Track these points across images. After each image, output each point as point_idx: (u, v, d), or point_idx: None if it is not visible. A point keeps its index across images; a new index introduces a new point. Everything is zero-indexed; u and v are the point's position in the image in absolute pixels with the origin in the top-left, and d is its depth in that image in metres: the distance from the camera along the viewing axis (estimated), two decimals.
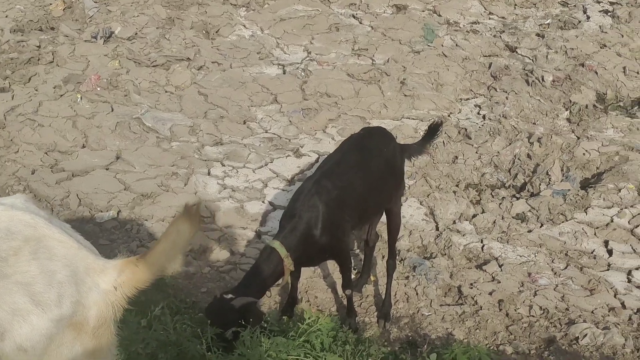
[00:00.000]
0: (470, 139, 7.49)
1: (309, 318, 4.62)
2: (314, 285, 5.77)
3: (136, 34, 9.04)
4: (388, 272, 5.56)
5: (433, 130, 5.68)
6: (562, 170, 7.01)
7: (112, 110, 7.73)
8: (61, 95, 7.92)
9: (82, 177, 6.83)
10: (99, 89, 8.01)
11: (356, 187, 5.04)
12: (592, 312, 5.48)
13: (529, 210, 6.55)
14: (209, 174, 6.97)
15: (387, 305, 5.47)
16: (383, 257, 5.88)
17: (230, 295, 4.64)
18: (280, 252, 4.77)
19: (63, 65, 8.43)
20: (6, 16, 9.31)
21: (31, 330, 2.94)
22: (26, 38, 8.88)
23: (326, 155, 5.65)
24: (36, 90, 7.98)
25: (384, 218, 5.54)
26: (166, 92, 8.09)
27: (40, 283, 2.97)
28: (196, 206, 3.11)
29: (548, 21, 9.59)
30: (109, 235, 6.13)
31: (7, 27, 9.06)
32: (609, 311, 5.49)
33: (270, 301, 5.48)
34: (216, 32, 9.23)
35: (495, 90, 8.27)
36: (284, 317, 5.19)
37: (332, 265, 5.82)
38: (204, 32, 9.22)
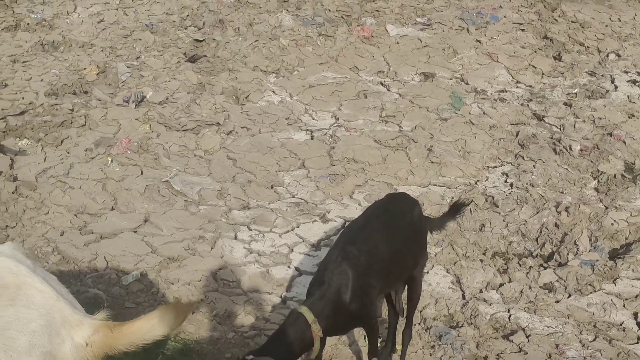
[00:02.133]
0: (498, 207, 7.47)
1: None
2: (339, 353, 5.73)
3: (167, 98, 9.19)
4: (403, 342, 5.51)
5: (457, 208, 5.70)
6: (590, 240, 6.96)
7: (142, 173, 7.83)
8: (92, 158, 8.04)
9: (110, 239, 6.89)
10: (129, 152, 8.13)
11: (381, 251, 5.02)
12: None
13: (557, 280, 6.48)
14: (235, 238, 7.00)
15: None
16: (414, 324, 5.83)
17: (251, 357, 4.60)
18: (308, 318, 4.73)
19: (95, 128, 8.58)
20: (41, 80, 9.52)
21: None
22: (60, 101, 9.05)
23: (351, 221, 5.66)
24: (68, 152, 8.11)
25: None
26: (195, 156, 8.18)
27: (14, 329, 2.98)
28: (188, 305, 3.15)
29: (576, 90, 9.63)
30: (135, 299, 6.15)
31: (42, 91, 9.25)
32: None
33: None
34: (246, 97, 9.36)
35: (523, 158, 8.27)
36: None
37: (357, 333, 5.79)
38: (234, 97, 9.35)
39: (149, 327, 3.09)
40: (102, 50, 10.29)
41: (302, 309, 4.76)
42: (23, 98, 9.09)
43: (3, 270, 3.08)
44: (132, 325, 3.11)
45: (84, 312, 3.18)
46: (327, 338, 5.31)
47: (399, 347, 5.64)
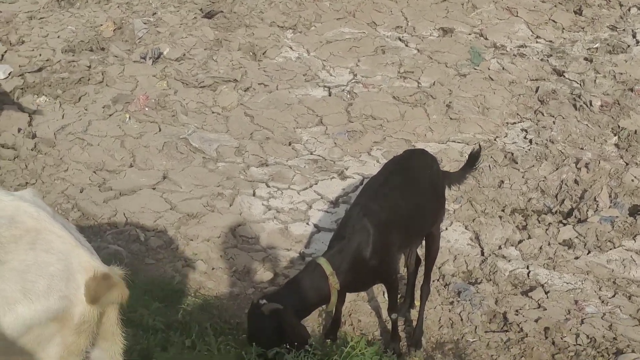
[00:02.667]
0: (517, 163, 7.43)
1: (352, 341, 4.60)
2: (358, 309, 5.75)
3: (184, 55, 9.15)
4: (421, 298, 5.52)
5: (473, 159, 5.65)
6: (610, 196, 6.92)
7: (160, 130, 7.82)
8: (110, 115, 8.04)
9: (129, 196, 6.91)
10: (147, 109, 8.12)
11: (401, 209, 5.02)
12: None
13: (576, 237, 6.46)
14: (254, 194, 7.01)
15: (419, 332, 5.43)
16: (433, 281, 5.84)
17: (264, 301, 4.63)
18: (326, 269, 4.74)
19: (112, 85, 8.56)
20: (58, 37, 9.48)
21: (15, 319, 3.02)
22: (77, 58, 9.03)
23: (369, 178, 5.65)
24: (86, 109, 8.11)
25: None
26: (213, 113, 8.16)
27: (33, 273, 3.05)
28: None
29: (596, 45, 9.50)
30: (155, 255, 6.19)
31: (59, 48, 9.22)
32: None
33: (313, 324, 5.47)
34: (263, 54, 9.30)
35: (542, 114, 8.20)
36: (327, 340, 5.18)
37: (376, 289, 5.81)
38: (251, 53, 9.29)
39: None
40: (118, 7, 10.22)
41: (321, 260, 4.78)
42: (40, 55, 9.07)
43: (24, 215, 3.15)
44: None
45: (100, 261, 3.23)
46: (347, 295, 5.34)
47: (417, 303, 5.66)
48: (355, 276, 4.86)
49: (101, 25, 9.74)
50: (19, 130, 7.67)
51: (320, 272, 4.75)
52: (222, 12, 10.10)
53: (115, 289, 3.17)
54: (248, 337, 4.73)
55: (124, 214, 6.65)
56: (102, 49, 9.29)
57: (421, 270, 5.82)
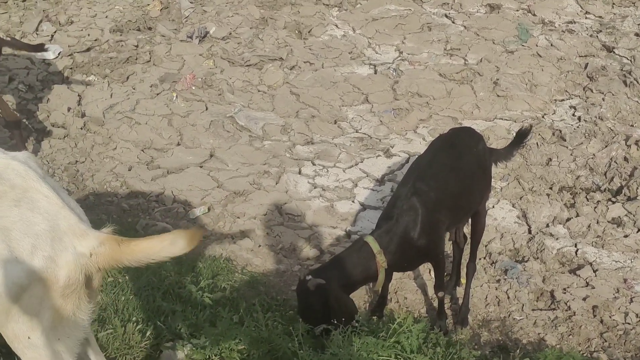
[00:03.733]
0: (565, 140, 7.35)
1: (399, 318, 4.61)
2: (404, 286, 5.76)
3: (230, 34, 9.18)
4: (468, 276, 5.50)
5: (521, 136, 5.58)
6: None
7: (207, 109, 7.88)
8: (157, 94, 8.11)
9: (177, 174, 6.99)
10: (193, 88, 8.18)
11: (450, 187, 5.00)
12: None
13: (626, 215, 6.38)
14: (299, 173, 7.03)
15: (465, 309, 5.43)
16: (479, 259, 5.82)
17: (309, 277, 4.66)
18: (373, 247, 4.75)
19: (159, 64, 8.64)
20: (106, 17, 9.59)
21: (4, 276, 2.99)
22: (125, 38, 9.12)
23: (416, 156, 5.63)
24: (134, 88, 8.20)
25: None
26: (259, 91, 8.20)
27: (17, 230, 3.02)
28: (200, 232, 3.16)
29: None
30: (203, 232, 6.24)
31: (107, 27, 9.32)
32: None
33: (359, 302, 5.49)
34: (309, 32, 9.29)
35: (592, 91, 8.09)
36: (373, 317, 5.20)
37: (422, 267, 5.80)
38: (297, 32, 9.30)
39: (159, 248, 3.10)
40: None
41: (368, 239, 4.79)
42: (89, 35, 9.18)
43: (12, 172, 3.13)
44: (142, 243, 3.12)
45: (90, 225, 3.21)
46: (393, 273, 5.34)
47: (463, 280, 5.65)
48: (403, 255, 4.86)
49: (148, 4, 9.82)
50: (69, 109, 7.79)
51: (367, 250, 4.76)
52: None
53: (116, 253, 3.14)
54: (299, 313, 4.78)
55: (172, 192, 6.72)
56: (150, 28, 9.36)
57: (467, 248, 5.80)
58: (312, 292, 4.60)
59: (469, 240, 5.61)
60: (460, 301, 5.53)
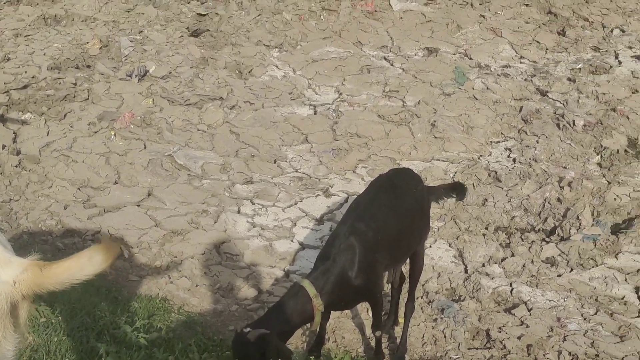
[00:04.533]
0: (501, 182, 7.48)
1: (336, 358, 4.60)
2: (342, 325, 5.76)
3: (170, 72, 9.18)
4: (406, 315, 5.51)
5: (459, 189, 5.77)
6: (592, 215, 6.97)
7: (145, 147, 7.84)
8: (95, 132, 8.05)
9: (114, 212, 6.91)
10: (132, 126, 8.13)
11: (389, 227, 5.02)
12: (622, 359, 5.40)
13: (559, 255, 6.50)
14: (238, 212, 7.02)
15: (402, 349, 5.43)
16: (417, 298, 5.86)
17: (248, 329, 4.61)
18: (309, 291, 4.73)
19: (98, 102, 8.58)
20: (44, 54, 9.51)
21: None
22: (63, 75, 9.05)
23: (355, 196, 5.67)
24: (71, 126, 8.12)
25: None
26: (198, 130, 8.19)
27: None
28: (116, 243, 3.17)
29: (579, 66, 9.59)
30: (139, 272, 6.18)
31: (45, 65, 9.24)
32: (639, 359, 5.41)
33: (297, 341, 5.47)
34: (249, 72, 9.34)
35: (526, 133, 8.27)
36: (311, 357, 5.18)
37: (360, 306, 5.81)
38: (237, 72, 9.33)
39: (78, 267, 3.10)
40: (104, 24, 10.27)
41: (304, 283, 4.77)
42: (26, 72, 9.09)
43: None
44: (62, 265, 3.12)
45: (14, 253, 3.18)
46: (331, 312, 5.34)
47: (401, 320, 5.67)
48: (340, 296, 4.85)
49: (87, 42, 9.78)
50: (3, 146, 7.67)
51: (304, 295, 4.73)
52: (208, 30, 10.16)
53: (38, 279, 3.12)
54: None
55: (108, 231, 6.64)
56: (88, 66, 9.31)
57: (405, 287, 5.84)
58: (252, 344, 4.54)
59: (407, 280, 5.65)
60: (398, 340, 5.54)
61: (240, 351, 4.57)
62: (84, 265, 3.09)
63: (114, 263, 3.15)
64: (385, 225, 4.99)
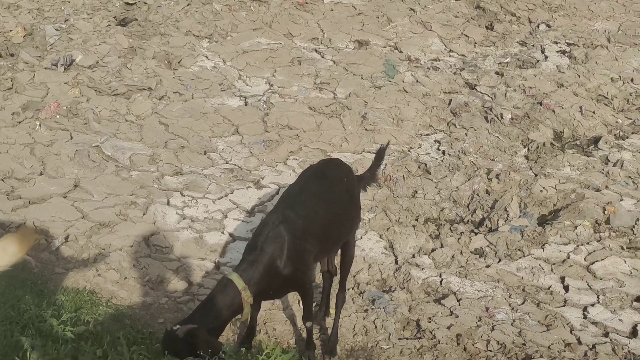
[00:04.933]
0: (430, 174, 7.55)
1: (267, 349, 4.57)
2: (273, 317, 5.73)
3: (97, 62, 8.99)
4: (337, 306, 5.52)
5: (379, 155, 5.77)
6: (519, 206, 7.10)
7: (72, 138, 7.66)
8: (19, 122, 7.84)
9: (39, 204, 6.74)
10: (58, 116, 7.95)
11: (319, 216, 5.01)
12: (549, 347, 5.50)
13: (487, 246, 6.60)
14: (168, 203, 6.92)
15: (334, 339, 5.43)
16: (348, 289, 5.87)
17: (177, 326, 4.54)
18: (238, 284, 4.69)
19: (22, 92, 8.35)
20: None
21: None
22: None
23: (287, 187, 5.64)
24: None
25: None
26: (127, 121, 8.05)
27: None
28: (31, 234, 3.13)
29: (507, 60, 9.75)
30: (65, 264, 6.04)
31: None
32: (565, 347, 5.52)
33: (228, 333, 5.42)
34: (178, 62, 9.22)
35: (455, 126, 8.36)
36: (242, 348, 5.13)
37: (292, 298, 5.80)
38: (166, 62, 9.21)
39: None
40: (28, 12, 9.99)
41: (232, 276, 4.72)
42: None
43: None
44: None
45: None
46: (262, 303, 5.31)
47: (332, 310, 5.67)
48: (269, 285, 4.82)
49: (11, 30, 9.51)
50: None
51: (232, 288, 4.68)
52: (136, 20, 9.99)
53: None
54: None
55: (34, 223, 6.47)
56: (12, 54, 9.06)
57: (336, 278, 5.84)
58: (181, 340, 4.47)
59: (338, 271, 5.65)
60: (329, 331, 5.54)
61: (170, 348, 4.51)
62: None
63: (30, 252, 3.08)
64: (316, 214, 4.98)
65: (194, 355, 4.44)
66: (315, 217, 4.96)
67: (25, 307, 4.97)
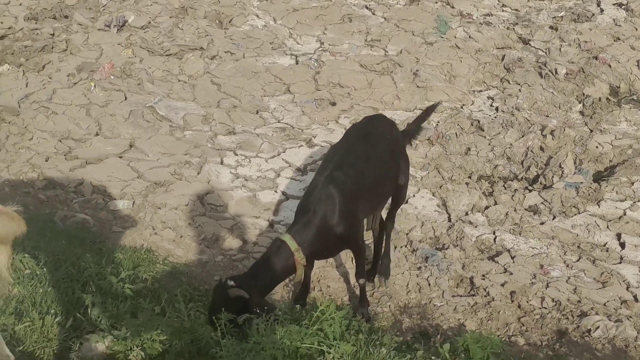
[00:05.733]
0: (483, 130, 7.48)
1: (321, 306, 4.62)
2: (327, 274, 5.78)
3: (149, 23, 9.05)
4: (387, 233, 5.59)
5: (428, 111, 5.80)
6: (574, 163, 7.00)
7: (126, 98, 7.76)
8: (75, 84, 7.95)
9: (96, 164, 6.85)
10: (112, 77, 8.04)
11: (366, 176, 5.04)
12: (605, 304, 5.46)
13: (542, 203, 6.54)
14: (221, 163, 6.99)
15: (387, 262, 5.57)
16: (395, 247, 5.89)
17: (232, 283, 4.59)
18: (291, 246, 4.73)
19: (77, 53, 8.46)
20: (20, 4, 9.34)
21: None
22: (40, 26, 8.90)
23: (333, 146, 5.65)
24: (50, 78, 8.01)
25: None
26: (179, 81, 8.11)
27: None
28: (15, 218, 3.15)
29: (562, 14, 9.56)
30: (123, 223, 6.15)
31: (21, 15, 9.08)
32: (621, 304, 5.48)
33: (283, 290, 5.49)
34: (229, 21, 9.23)
35: (509, 82, 8.26)
36: (296, 305, 5.20)
37: (345, 255, 5.84)
38: (217, 21, 9.22)
39: None
40: None
41: (285, 237, 4.76)
42: (2, 22, 8.92)
43: None
44: None
45: None
46: (315, 261, 5.35)
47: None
48: (322, 245, 4.87)
49: None
50: None
51: (286, 250, 4.73)
52: None
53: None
54: (209, 311, 4.65)
55: (91, 183, 6.59)
56: (66, 16, 9.16)
57: (395, 236, 5.86)
58: (231, 299, 4.52)
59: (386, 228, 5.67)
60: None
61: (219, 301, 4.57)
62: None
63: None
64: (363, 175, 5.01)
65: (242, 312, 4.51)
66: (363, 177, 4.99)
67: (85, 265, 5.08)
